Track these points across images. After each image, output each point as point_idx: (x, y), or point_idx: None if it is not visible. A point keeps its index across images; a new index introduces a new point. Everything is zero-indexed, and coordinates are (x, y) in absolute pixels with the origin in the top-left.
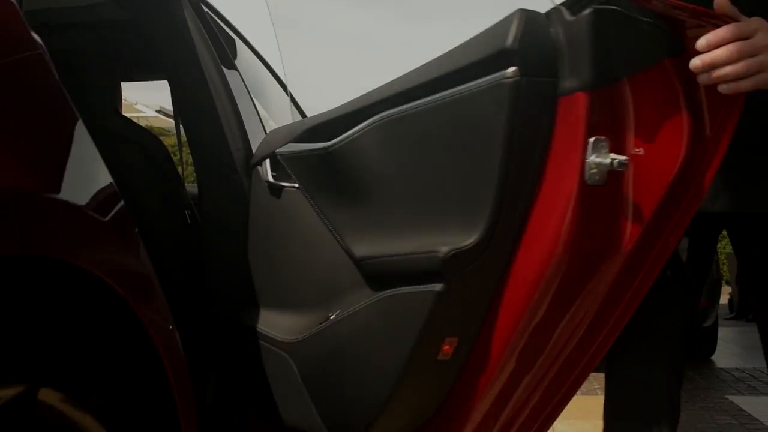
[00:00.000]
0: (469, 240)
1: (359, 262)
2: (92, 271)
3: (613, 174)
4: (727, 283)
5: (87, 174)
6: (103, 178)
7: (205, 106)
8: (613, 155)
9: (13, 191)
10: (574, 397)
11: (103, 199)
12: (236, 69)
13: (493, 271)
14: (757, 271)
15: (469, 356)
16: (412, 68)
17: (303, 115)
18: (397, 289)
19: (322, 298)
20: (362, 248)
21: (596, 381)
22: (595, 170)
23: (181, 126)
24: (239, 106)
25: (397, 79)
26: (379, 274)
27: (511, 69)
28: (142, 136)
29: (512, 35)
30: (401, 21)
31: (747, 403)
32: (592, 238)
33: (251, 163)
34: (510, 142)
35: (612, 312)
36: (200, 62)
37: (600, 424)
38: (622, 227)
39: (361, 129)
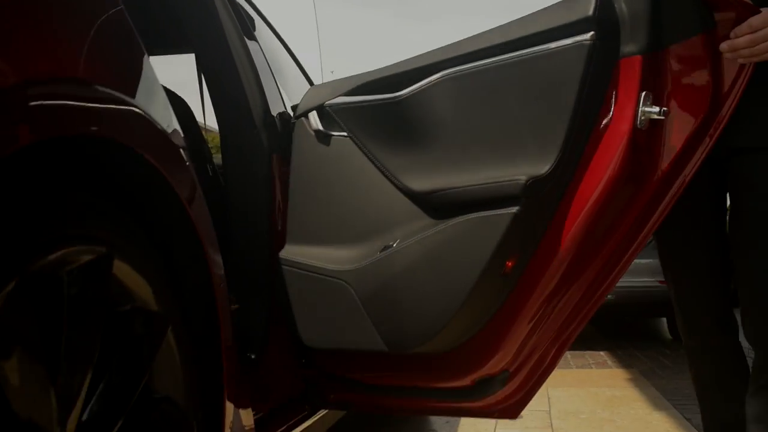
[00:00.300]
0: (544, 170)
1: (425, 196)
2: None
3: (655, 121)
4: None
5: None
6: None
7: (229, 72)
8: (656, 107)
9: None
10: (571, 370)
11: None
12: (256, 40)
13: (557, 196)
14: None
15: (524, 270)
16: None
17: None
18: (471, 214)
19: (377, 231)
20: (426, 184)
21: (591, 358)
22: (643, 117)
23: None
24: (259, 72)
25: (459, 42)
26: (448, 205)
27: (590, 33)
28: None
29: (593, 7)
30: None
31: None
32: (636, 169)
33: (296, 114)
34: (581, 91)
35: (639, 232)
36: (225, 34)
37: (591, 391)
38: (656, 162)
39: (432, 81)
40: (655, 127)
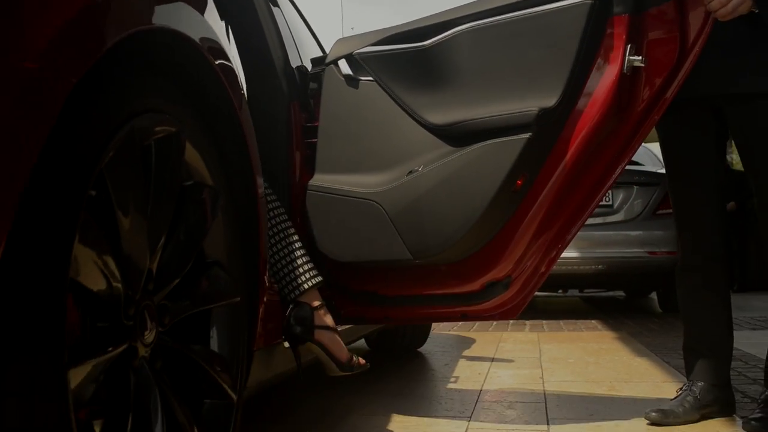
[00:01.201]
0: (552, 102)
1: (446, 128)
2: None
3: (637, 68)
4: None
5: None
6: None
7: (254, 27)
8: (638, 56)
9: None
10: (563, 332)
11: None
12: (279, 7)
13: (560, 123)
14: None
15: (530, 187)
16: None
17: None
18: (488, 141)
19: (402, 160)
20: (447, 118)
21: (583, 324)
22: (628, 64)
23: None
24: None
25: (470, 3)
26: (467, 134)
27: None
28: None
29: None
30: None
31: None
32: (622, 103)
33: (327, 61)
34: (582, 41)
35: (624, 154)
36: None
37: (580, 345)
38: (637, 99)
39: (454, 33)
40: (636, 72)
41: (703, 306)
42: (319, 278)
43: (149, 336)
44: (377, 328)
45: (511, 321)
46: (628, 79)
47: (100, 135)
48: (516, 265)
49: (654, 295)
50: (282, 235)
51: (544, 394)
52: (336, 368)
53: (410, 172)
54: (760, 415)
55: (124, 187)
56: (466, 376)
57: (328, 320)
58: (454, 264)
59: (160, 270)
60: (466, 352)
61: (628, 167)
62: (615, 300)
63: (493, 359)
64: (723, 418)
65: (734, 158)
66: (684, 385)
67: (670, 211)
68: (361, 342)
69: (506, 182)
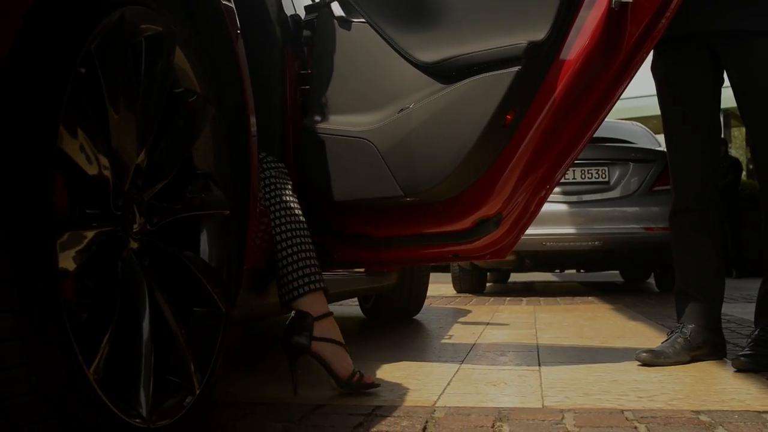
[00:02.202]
0: (541, 36)
1: (436, 65)
2: None
3: (625, 3)
4: None
5: None
6: None
7: None
8: None
9: None
10: (559, 306)
11: None
12: None
13: (549, 59)
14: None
15: (520, 123)
16: None
17: None
18: (478, 75)
19: (394, 99)
20: (436, 55)
21: (580, 300)
22: (616, 0)
23: None
24: None
25: None
26: (457, 69)
27: None
28: None
29: None
30: None
31: None
32: (610, 39)
33: (324, 2)
34: None
35: (613, 91)
36: None
37: (576, 313)
38: (624, 35)
39: None
40: (624, 9)
41: (694, 249)
42: (320, 285)
43: (137, 229)
44: (371, 286)
45: (508, 297)
46: (616, 16)
47: (89, 11)
48: (506, 203)
49: (652, 279)
50: (289, 234)
51: (537, 346)
52: (335, 383)
53: (401, 109)
54: (749, 351)
55: (113, 72)
56: (460, 334)
57: (332, 332)
58: (445, 201)
59: (149, 168)
60: (462, 319)
61: (624, 144)
62: (613, 284)
63: (488, 323)
64: (713, 361)
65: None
66: (674, 327)
67: (667, 187)
68: (357, 310)
69: (496, 116)
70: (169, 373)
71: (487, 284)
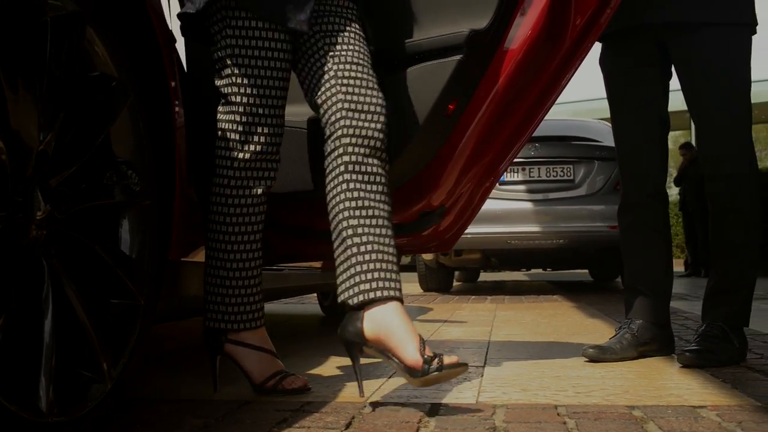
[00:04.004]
0: (483, 25)
1: (378, 55)
2: None
3: None
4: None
5: None
6: None
7: None
8: None
9: None
10: (522, 303)
11: None
12: None
13: (492, 48)
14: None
15: (463, 112)
16: None
17: None
18: (421, 64)
19: None
20: (380, 45)
21: (544, 299)
22: None
23: None
24: None
25: None
26: (399, 58)
27: None
28: None
29: None
30: None
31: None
32: (553, 29)
33: None
34: None
35: (557, 83)
36: None
37: (537, 311)
38: (568, 24)
39: None
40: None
41: (643, 244)
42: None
43: (42, 216)
44: (328, 282)
45: (473, 296)
46: (560, 5)
47: None
48: (450, 195)
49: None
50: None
51: (489, 342)
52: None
53: None
54: (695, 347)
55: (11, 53)
56: None
57: (250, 338)
58: None
59: (57, 154)
60: (421, 317)
61: (589, 143)
62: (582, 282)
63: (446, 321)
64: (661, 357)
65: None
66: (623, 323)
67: None
68: (316, 308)
69: (438, 105)
70: (80, 367)
71: (458, 283)
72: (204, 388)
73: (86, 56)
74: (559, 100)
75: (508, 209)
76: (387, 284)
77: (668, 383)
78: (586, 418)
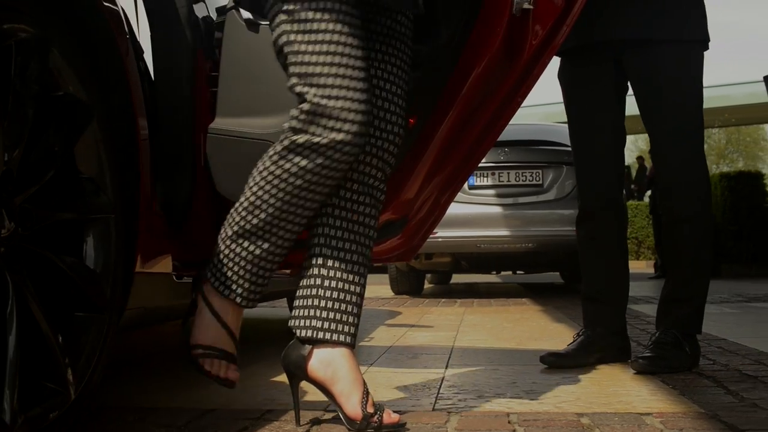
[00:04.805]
0: (440, 41)
1: None
2: None
3: (526, 10)
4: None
5: None
6: None
7: None
8: (527, 2)
9: None
10: (491, 307)
11: None
12: None
13: (449, 66)
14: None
15: (423, 126)
16: None
17: None
18: None
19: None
20: None
21: (513, 302)
22: (517, 7)
23: None
24: None
25: None
26: None
27: None
28: None
29: None
30: None
31: None
32: (511, 46)
33: (228, 7)
34: None
35: (513, 98)
36: None
37: (503, 315)
38: (526, 42)
39: None
40: (525, 15)
41: (599, 253)
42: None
43: (6, 234)
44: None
45: (443, 299)
46: (518, 22)
47: None
48: (411, 206)
49: None
50: None
51: (452, 348)
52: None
53: None
54: (648, 354)
55: None
56: (381, 336)
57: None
58: None
59: (21, 173)
60: (389, 321)
61: (558, 148)
62: (552, 285)
63: (412, 326)
64: (617, 363)
65: None
66: (580, 330)
67: None
68: (285, 311)
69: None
70: (44, 379)
71: (430, 285)
72: (166, 396)
73: (51, 77)
74: (529, 102)
75: (477, 213)
76: (341, 327)
77: (620, 390)
78: (535, 426)
